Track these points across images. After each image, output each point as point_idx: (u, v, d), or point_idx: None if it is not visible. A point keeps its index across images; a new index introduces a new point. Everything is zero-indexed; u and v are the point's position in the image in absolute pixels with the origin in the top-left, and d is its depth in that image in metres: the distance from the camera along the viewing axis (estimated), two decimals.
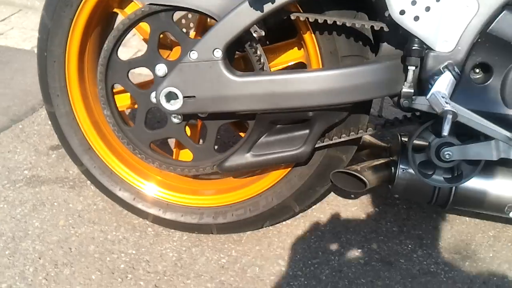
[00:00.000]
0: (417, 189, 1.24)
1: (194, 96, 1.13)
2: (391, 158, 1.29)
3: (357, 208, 1.55)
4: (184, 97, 1.13)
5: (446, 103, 0.95)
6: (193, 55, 1.10)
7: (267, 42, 1.32)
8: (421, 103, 1.03)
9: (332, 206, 1.56)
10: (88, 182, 1.53)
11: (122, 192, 1.40)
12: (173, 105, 1.15)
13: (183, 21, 1.39)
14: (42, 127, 1.94)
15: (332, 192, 1.60)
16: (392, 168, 1.25)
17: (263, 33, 1.35)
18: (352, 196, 1.58)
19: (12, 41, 2.59)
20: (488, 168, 1.21)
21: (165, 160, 1.29)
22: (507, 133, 1.02)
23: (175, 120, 1.22)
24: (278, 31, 1.33)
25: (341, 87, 1.08)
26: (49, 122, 1.42)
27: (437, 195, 1.23)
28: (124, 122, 1.29)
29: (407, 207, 1.53)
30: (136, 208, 1.40)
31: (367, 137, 1.43)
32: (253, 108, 1.12)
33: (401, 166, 1.23)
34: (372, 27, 1.09)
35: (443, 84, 0.99)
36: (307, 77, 1.09)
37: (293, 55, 1.27)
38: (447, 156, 1.11)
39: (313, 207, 1.55)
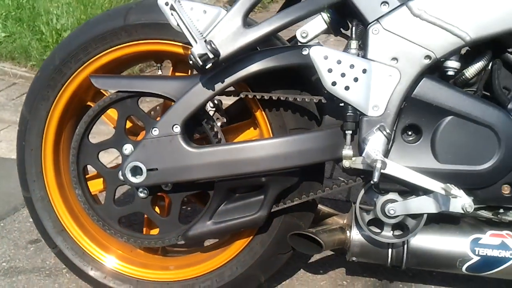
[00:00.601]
0: (372, 250, 1.31)
1: (157, 168, 1.23)
2: (347, 223, 1.37)
3: (325, 282, 1.60)
4: (147, 170, 1.23)
5: (376, 155, 1.06)
6: (155, 131, 1.23)
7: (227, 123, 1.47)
8: (359, 162, 1.14)
9: (301, 281, 1.61)
10: (64, 270, 1.58)
11: (94, 271, 1.45)
12: (138, 179, 1.25)
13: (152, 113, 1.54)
14: (23, 224, 2.01)
15: (301, 269, 1.66)
16: (347, 231, 1.33)
17: (225, 120, 1.50)
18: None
19: (0, 151, 2.74)
20: (435, 226, 1.29)
21: (133, 234, 1.36)
22: (441, 184, 1.12)
23: (142, 195, 1.32)
24: (238, 114, 1.48)
25: (287, 153, 1.20)
26: (30, 220, 1.50)
27: (392, 255, 1.30)
28: (94, 201, 1.38)
29: (377, 280, 1.58)
30: (108, 286, 1.44)
31: (326, 208, 1.52)
32: (210, 176, 1.22)
33: (354, 229, 1.31)
34: (312, 100, 1.23)
35: (375, 143, 1.11)
36: (257, 145, 1.21)
37: (250, 135, 1.39)
38: (391, 212, 1.19)
39: (282, 283, 1.59)
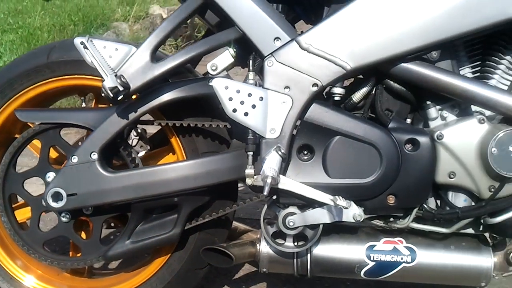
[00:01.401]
0: (279, 261, 1.42)
1: (76, 193, 1.33)
2: (258, 237, 1.49)
3: None
4: (67, 195, 1.33)
5: (269, 172, 1.19)
6: (74, 159, 1.33)
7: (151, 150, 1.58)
8: (259, 180, 1.27)
9: None
10: None
11: None
12: (59, 204, 1.34)
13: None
14: None
15: (225, 285, 1.76)
16: (257, 245, 1.45)
17: (148, 147, 1.60)
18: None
19: None
20: (335, 236, 1.42)
21: (56, 257, 1.44)
22: (330, 197, 1.26)
23: (64, 219, 1.40)
24: (161, 141, 1.59)
25: (197, 174, 1.32)
26: None
27: (297, 265, 1.42)
28: (21, 228, 1.46)
29: None
30: None
31: (242, 225, 1.64)
32: (126, 198, 1.33)
33: (263, 242, 1.43)
34: (222, 126, 1.36)
35: (271, 162, 1.24)
36: (168, 168, 1.33)
37: (170, 160, 1.51)
38: (291, 224, 1.32)
39: None
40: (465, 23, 1.17)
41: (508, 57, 1.27)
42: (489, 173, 1.24)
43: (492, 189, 1.26)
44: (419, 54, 1.22)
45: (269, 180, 1.17)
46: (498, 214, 1.29)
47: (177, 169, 1.32)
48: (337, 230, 1.43)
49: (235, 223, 1.65)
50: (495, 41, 1.28)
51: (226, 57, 1.36)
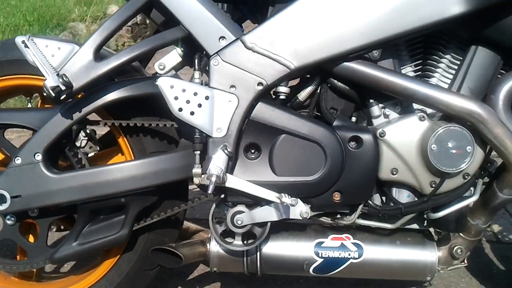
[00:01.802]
0: (229, 260, 1.43)
1: (20, 195, 1.30)
2: (208, 236, 1.49)
3: None
4: (11, 197, 1.30)
5: (215, 171, 1.19)
6: (18, 160, 1.30)
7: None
8: (206, 179, 1.27)
9: None
10: None
11: None
12: (3, 206, 1.31)
13: None
14: None
15: (179, 286, 1.75)
16: (208, 244, 1.45)
17: (98, 148, 1.59)
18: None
19: None
20: (284, 233, 1.44)
21: (1, 261, 1.41)
22: (276, 194, 1.27)
23: (9, 222, 1.38)
24: (111, 142, 1.57)
25: (144, 174, 1.31)
26: None
27: (247, 263, 1.43)
28: None
29: None
30: None
31: (194, 225, 1.64)
32: (71, 199, 1.31)
33: (213, 241, 1.43)
34: (171, 125, 1.36)
35: (218, 161, 1.24)
36: (114, 168, 1.31)
37: (118, 160, 1.49)
38: (239, 222, 1.33)
39: None
40: (403, 23, 1.19)
41: (448, 56, 1.31)
42: (429, 169, 1.27)
43: (433, 185, 1.29)
44: (360, 53, 1.24)
45: (213, 179, 1.18)
46: (440, 209, 1.33)
47: (123, 169, 1.31)
48: (286, 227, 1.45)
49: (187, 223, 1.65)
50: (435, 40, 1.32)
51: (173, 56, 1.36)
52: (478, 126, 1.22)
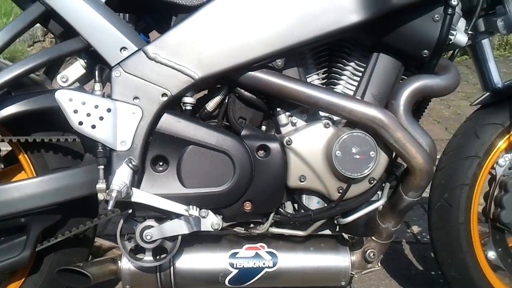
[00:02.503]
0: (141, 276, 1.39)
1: None
2: (120, 253, 1.44)
3: None
4: None
5: (118, 186, 1.15)
6: None
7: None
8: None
9: None
10: None
11: None
12: None
13: None
14: None
15: None
16: (119, 261, 1.40)
17: (2, 166, 1.50)
18: None
19: None
20: (197, 246, 1.41)
21: None
22: (184, 207, 1.25)
23: None
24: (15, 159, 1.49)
25: (44, 191, 1.25)
26: None
27: (161, 279, 1.39)
28: None
29: None
30: None
31: (107, 242, 1.59)
32: None
33: (124, 258, 1.39)
34: (74, 140, 1.30)
35: (122, 175, 1.21)
36: (11, 186, 1.25)
37: (21, 177, 1.42)
38: (148, 237, 1.29)
39: None
40: (303, 32, 1.20)
41: (352, 64, 1.33)
42: (336, 175, 1.29)
43: (341, 190, 1.30)
44: (264, 62, 1.24)
45: (114, 194, 1.14)
46: (348, 214, 1.34)
47: (21, 187, 1.25)
48: (200, 240, 1.42)
49: (100, 240, 1.60)
50: (339, 49, 1.34)
51: (76, 68, 1.31)
52: (380, 131, 1.24)
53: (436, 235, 1.49)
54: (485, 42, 1.48)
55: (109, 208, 1.13)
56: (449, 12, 1.21)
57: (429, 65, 1.27)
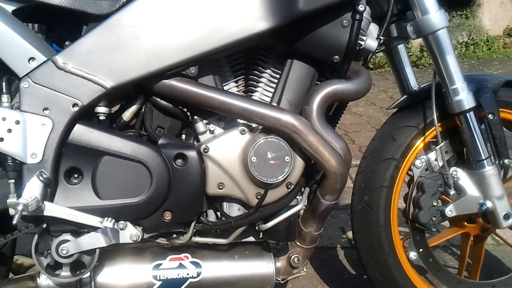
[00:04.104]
0: None
1: None
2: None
3: None
4: None
5: (26, 200, 1.12)
6: None
7: None
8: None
9: None
10: None
11: None
12: None
13: None
14: None
15: None
16: (37, 278, 1.36)
17: None
18: None
19: None
20: (118, 259, 1.37)
21: None
22: (100, 219, 1.22)
23: None
24: None
25: None
26: None
27: None
28: None
29: None
30: None
31: (28, 259, 1.54)
32: None
33: (42, 275, 1.34)
34: None
35: (32, 188, 1.18)
36: None
37: None
38: (64, 252, 1.26)
39: None
40: (214, 39, 1.20)
41: (268, 71, 1.34)
42: (253, 181, 1.29)
43: (259, 196, 1.31)
44: (177, 70, 1.23)
45: (20, 208, 1.11)
46: (269, 219, 1.34)
47: None
48: (122, 252, 1.39)
49: (22, 258, 1.55)
50: (255, 56, 1.35)
51: None
52: (293, 136, 1.25)
53: (359, 238, 1.51)
54: (401, 48, 1.53)
55: (14, 222, 1.09)
56: (357, 18, 1.24)
57: (340, 70, 1.30)
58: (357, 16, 1.24)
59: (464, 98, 1.37)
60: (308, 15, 1.21)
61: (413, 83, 1.54)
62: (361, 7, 1.24)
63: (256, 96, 1.34)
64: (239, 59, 1.35)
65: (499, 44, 5.63)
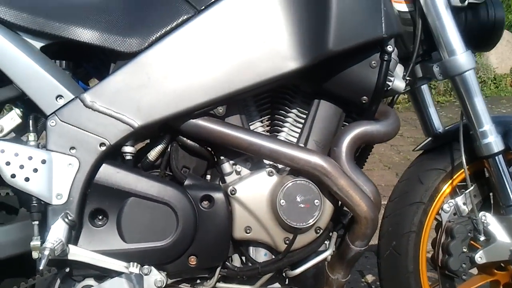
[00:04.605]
0: None
1: None
2: None
3: None
4: None
5: (52, 243, 1.09)
6: None
7: None
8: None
9: None
10: None
11: None
12: None
13: None
14: None
15: None
16: None
17: None
18: None
19: None
20: None
21: None
22: (125, 264, 1.18)
23: None
24: None
25: None
26: None
27: None
28: None
29: None
30: None
31: None
32: None
33: None
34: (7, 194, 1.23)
35: (57, 231, 1.14)
36: None
37: None
38: None
39: None
40: (242, 80, 1.19)
41: (294, 110, 1.33)
42: (281, 225, 1.26)
43: (287, 241, 1.27)
44: (205, 110, 1.22)
45: (46, 252, 1.07)
46: (296, 266, 1.30)
47: None
48: None
49: None
50: (281, 96, 1.34)
51: (12, 117, 1.26)
52: (323, 179, 1.23)
53: (386, 284, 1.47)
54: (424, 88, 1.52)
55: (41, 267, 1.06)
56: (386, 59, 1.24)
57: (368, 111, 1.28)
58: (386, 56, 1.24)
59: (493, 141, 1.35)
60: (338, 55, 1.20)
61: (437, 124, 1.52)
62: (389, 48, 1.24)
63: (282, 135, 1.33)
64: (265, 98, 1.35)
65: (506, 82, 5.67)
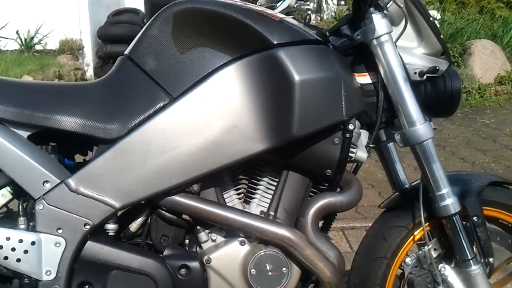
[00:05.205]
0: None
1: None
2: None
3: None
4: None
5: None
6: None
7: None
8: None
9: None
10: None
11: None
12: None
13: None
14: None
15: None
16: None
17: None
18: None
19: None
20: None
21: None
22: None
23: None
24: None
25: None
26: None
27: None
28: None
29: None
30: None
31: None
32: None
33: None
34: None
35: None
36: None
37: None
38: None
39: None
40: (215, 161, 1.30)
41: (265, 179, 1.44)
42: None
43: None
44: (181, 189, 1.32)
45: None
46: None
47: None
48: None
49: None
50: (253, 166, 1.44)
51: (3, 194, 1.36)
52: (290, 250, 1.34)
53: None
54: (390, 146, 1.62)
55: None
56: (347, 136, 1.34)
57: (333, 182, 1.39)
58: (347, 134, 1.34)
59: (450, 203, 1.44)
60: (301, 138, 1.30)
61: (403, 179, 1.62)
62: (351, 126, 1.33)
63: (254, 203, 1.43)
64: (239, 169, 1.45)
65: (490, 91, 5.73)
